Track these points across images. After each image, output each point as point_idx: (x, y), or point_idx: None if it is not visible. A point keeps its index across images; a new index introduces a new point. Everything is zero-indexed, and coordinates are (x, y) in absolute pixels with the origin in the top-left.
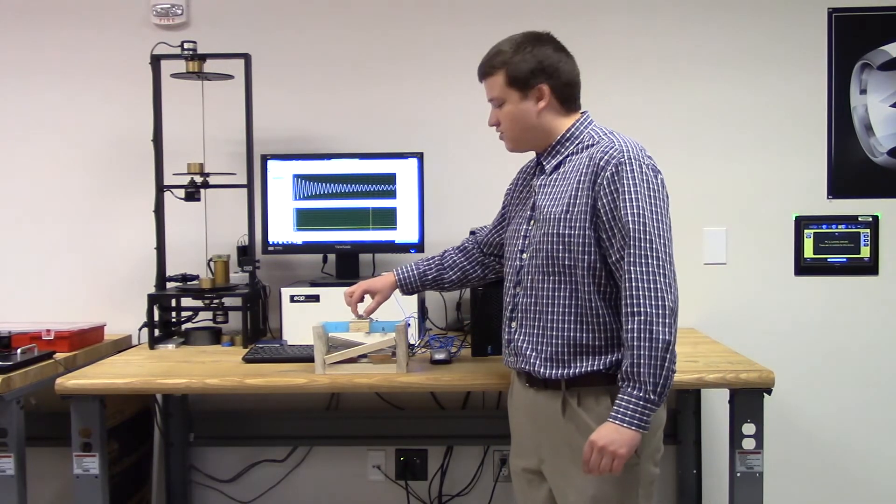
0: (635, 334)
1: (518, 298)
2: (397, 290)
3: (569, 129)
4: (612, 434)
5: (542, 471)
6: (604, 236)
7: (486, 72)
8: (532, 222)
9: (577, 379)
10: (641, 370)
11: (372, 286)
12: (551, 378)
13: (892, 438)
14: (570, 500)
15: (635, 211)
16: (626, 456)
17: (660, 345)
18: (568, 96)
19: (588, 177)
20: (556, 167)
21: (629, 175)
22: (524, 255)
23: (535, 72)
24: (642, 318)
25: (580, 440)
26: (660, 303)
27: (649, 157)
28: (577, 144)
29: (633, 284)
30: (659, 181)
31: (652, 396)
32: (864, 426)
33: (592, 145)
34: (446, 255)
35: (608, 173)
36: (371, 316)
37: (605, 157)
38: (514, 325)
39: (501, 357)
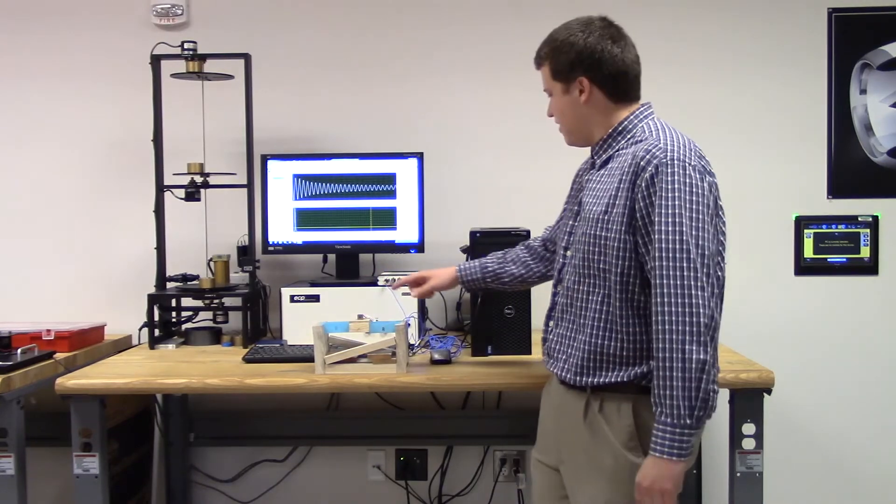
0: (665, 354)
1: (557, 298)
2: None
3: (621, 122)
4: (654, 470)
5: (559, 470)
6: (640, 242)
7: (537, 62)
8: (578, 219)
9: (601, 386)
10: (674, 393)
11: (430, 273)
12: (576, 385)
13: (892, 438)
14: None
15: (671, 218)
16: (673, 490)
17: (692, 365)
18: (617, 87)
19: (629, 177)
20: (606, 162)
21: (669, 178)
22: (567, 253)
23: (573, 64)
24: (672, 336)
25: (595, 450)
26: (692, 318)
27: (700, 157)
28: (629, 138)
29: (664, 300)
30: (705, 185)
31: (687, 421)
32: (863, 426)
33: (642, 140)
34: (510, 250)
35: (647, 175)
36: (371, 316)
37: (647, 157)
38: (550, 324)
39: (502, 357)
